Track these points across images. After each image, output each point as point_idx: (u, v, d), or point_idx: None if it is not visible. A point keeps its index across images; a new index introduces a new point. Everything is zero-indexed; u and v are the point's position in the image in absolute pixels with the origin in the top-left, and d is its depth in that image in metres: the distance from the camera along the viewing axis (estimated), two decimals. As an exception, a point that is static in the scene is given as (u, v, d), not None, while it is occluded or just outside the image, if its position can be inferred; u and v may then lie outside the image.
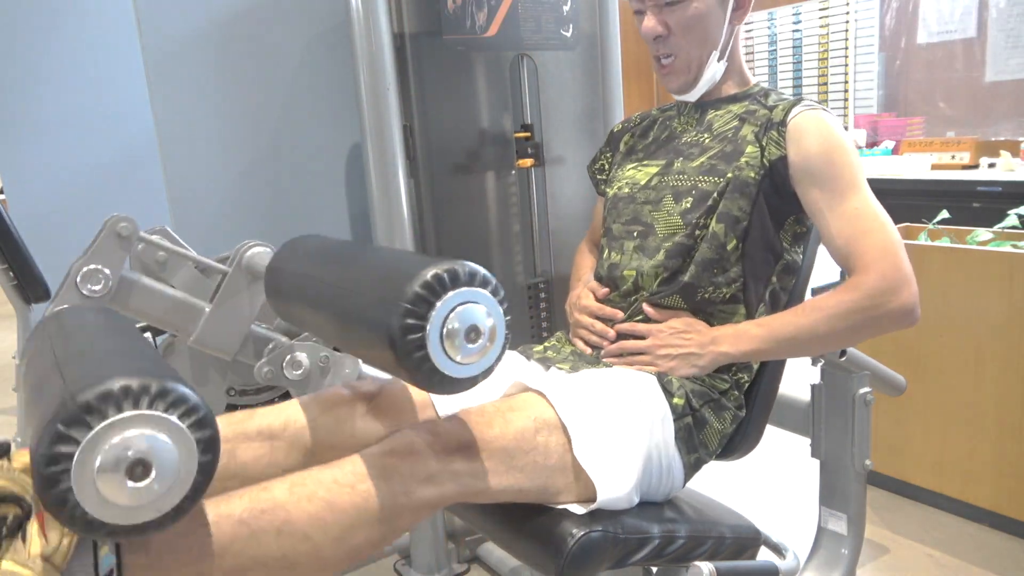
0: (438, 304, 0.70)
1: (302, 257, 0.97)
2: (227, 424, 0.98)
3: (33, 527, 0.60)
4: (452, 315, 0.71)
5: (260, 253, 1.20)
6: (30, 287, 2.23)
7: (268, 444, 0.99)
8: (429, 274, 0.70)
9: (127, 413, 0.55)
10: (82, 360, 0.65)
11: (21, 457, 0.63)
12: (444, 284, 0.70)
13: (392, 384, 1.10)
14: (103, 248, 1.02)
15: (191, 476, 0.58)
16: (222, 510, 0.73)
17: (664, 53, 1.18)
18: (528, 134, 1.72)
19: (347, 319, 0.79)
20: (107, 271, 1.03)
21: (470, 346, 0.72)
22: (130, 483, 0.55)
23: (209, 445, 0.60)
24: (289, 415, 1.02)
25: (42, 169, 3.12)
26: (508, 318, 0.75)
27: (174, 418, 0.57)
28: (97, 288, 1.02)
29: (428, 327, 0.69)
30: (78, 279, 1.01)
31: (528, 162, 1.72)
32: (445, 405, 1.08)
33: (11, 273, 2.19)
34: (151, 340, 1.49)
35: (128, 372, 0.57)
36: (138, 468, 0.55)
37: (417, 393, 1.10)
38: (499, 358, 0.75)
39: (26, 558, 0.59)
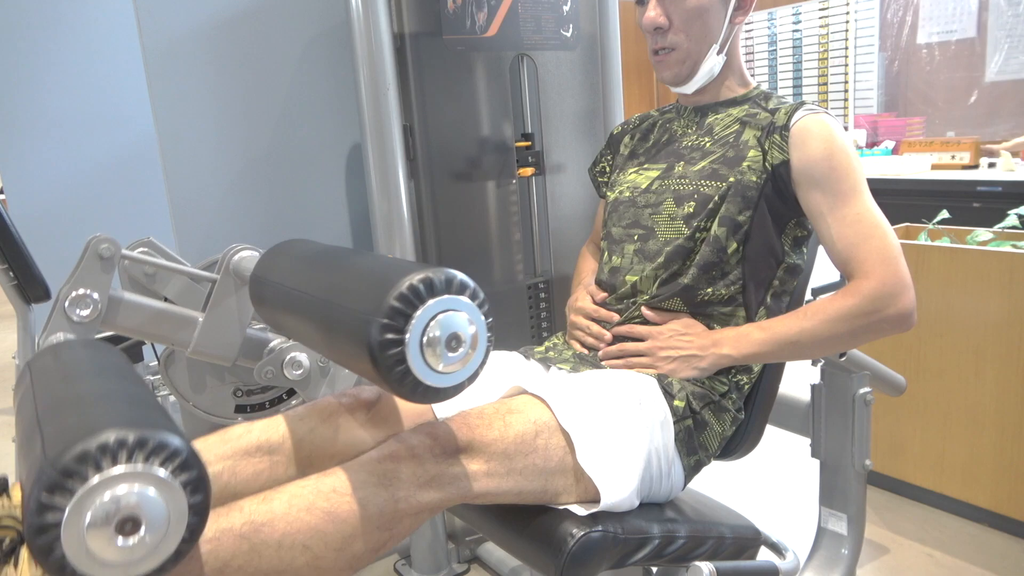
0: (416, 315, 0.69)
1: (284, 265, 0.95)
2: (224, 442, 0.98)
3: (25, 552, 0.60)
4: (431, 325, 0.69)
5: (247, 258, 1.17)
6: (30, 287, 2.22)
7: (268, 459, 0.99)
8: (405, 285, 0.69)
9: (108, 472, 0.54)
10: (60, 413, 0.63)
11: (17, 492, 0.64)
12: (420, 294, 0.69)
13: None
14: (87, 271, 0.99)
15: (183, 520, 0.58)
16: (222, 525, 0.73)
17: (663, 46, 1.18)
18: (528, 143, 1.72)
19: (329, 332, 0.78)
20: (95, 295, 1.00)
21: (451, 355, 0.71)
22: (120, 540, 0.55)
23: (198, 485, 0.58)
24: (288, 427, 1.01)
25: (42, 169, 3.12)
26: (489, 320, 0.74)
27: (157, 468, 0.55)
28: (86, 313, 0.99)
29: (407, 339, 0.68)
30: (66, 305, 0.99)
31: (529, 171, 1.73)
32: (445, 409, 1.08)
33: (11, 273, 2.19)
34: (153, 349, 1.48)
35: (105, 425, 0.55)
36: (127, 525, 0.55)
37: (418, 409, 1.09)
38: (483, 364, 0.74)
39: None
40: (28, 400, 0.73)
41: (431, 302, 0.69)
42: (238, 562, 0.72)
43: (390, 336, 0.68)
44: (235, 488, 0.95)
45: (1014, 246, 1.87)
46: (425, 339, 0.69)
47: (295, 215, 1.62)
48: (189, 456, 0.57)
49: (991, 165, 3.15)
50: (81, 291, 0.98)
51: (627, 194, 1.25)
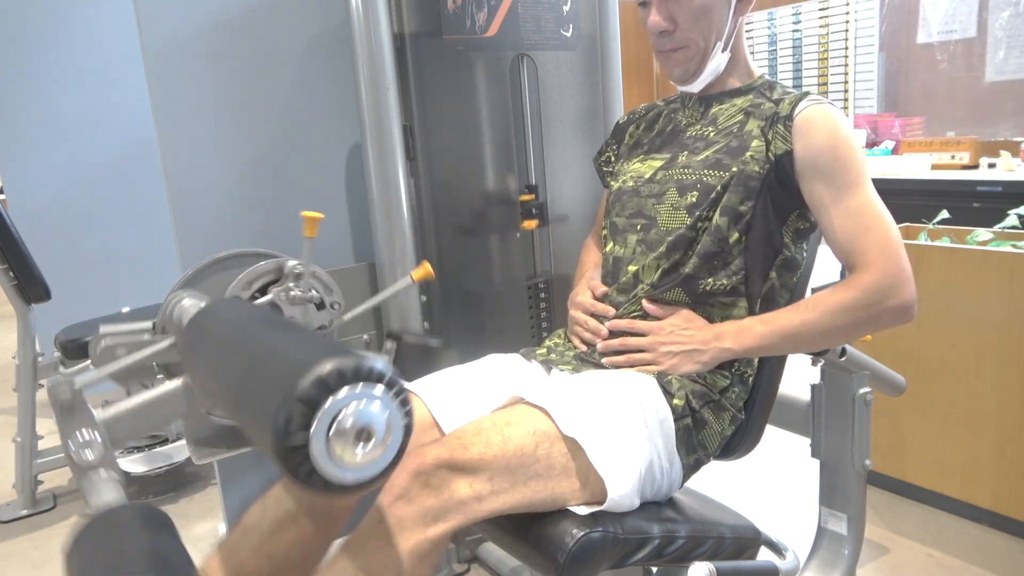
0: (323, 407, 0.63)
1: (206, 335, 0.90)
2: (246, 534, 0.98)
3: None
4: (340, 417, 0.64)
5: (187, 308, 1.10)
6: (30, 287, 2.23)
7: (294, 528, 0.99)
8: (313, 376, 0.63)
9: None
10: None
11: None
12: (328, 387, 0.63)
13: None
14: (67, 421, 0.91)
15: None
16: None
17: (670, 48, 1.18)
18: (531, 193, 1.72)
19: (240, 414, 0.74)
20: (89, 433, 0.92)
21: (363, 447, 0.65)
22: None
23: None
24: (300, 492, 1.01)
25: (42, 169, 3.13)
26: (407, 408, 0.68)
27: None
28: (93, 457, 0.90)
29: (312, 430, 0.62)
30: (73, 454, 0.90)
31: (531, 208, 1.74)
32: (447, 423, 1.08)
33: (11, 273, 2.19)
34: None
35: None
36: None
37: (418, 417, 1.08)
38: (398, 456, 0.68)
39: None
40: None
41: (341, 394, 0.64)
42: None
43: (293, 426, 0.62)
44: (280, 568, 0.97)
45: (1014, 246, 1.87)
46: (333, 431, 0.63)
47: (295, 215, 1.62)
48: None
49: (991, 165, 3.15)
50: (78, 438, 0.94)
51: (630, 183, 1.25)
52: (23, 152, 3.09)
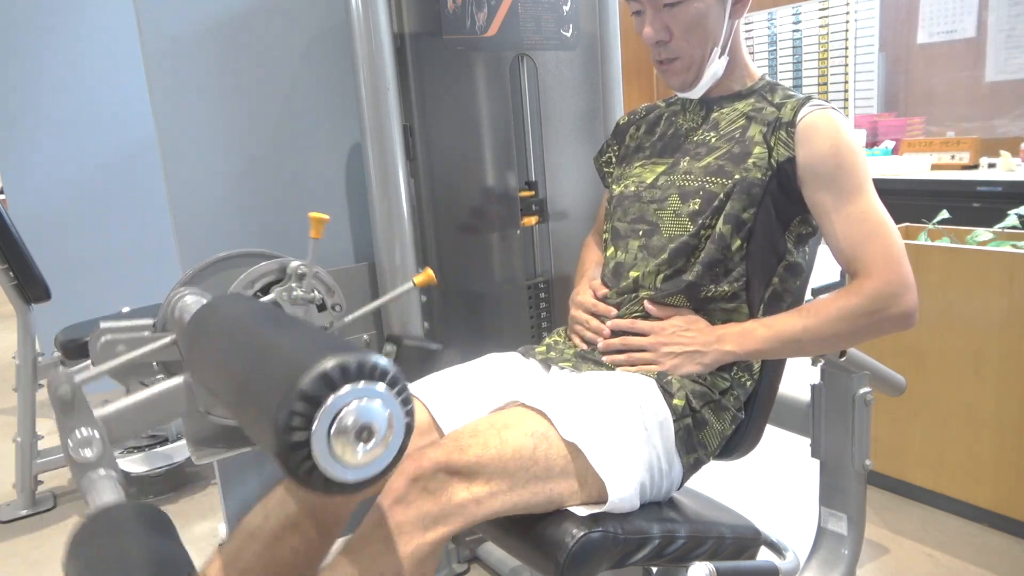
0: (325, 404, 0.62)
1: (209, 331, 0.90)
2: (251, 537, 0.97)
3: None
4: (342, 415, 0.63)
5: (189, 305, 1.10)
6: (30, 287, 2.23)
7: (296, 533, 0.98)
8: (316, 372, 0.62)
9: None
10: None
11: None
12: (331, 384, 0.63)
13: None
14: (66, 417, 0.91)
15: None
16: None
17: (666, 57, 1.18)
18: (530, 187, 1.72)
19: (241, 411, 0.73)
20: (87, 431, 0.92)
21: (363, 446, 0.64)
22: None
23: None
24: (302, 494, 0.99)
25: (42, 169, 3.13)
26: (408, 409, 0.68)
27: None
28: (91, 454, 0.90)
29: (313, 428, 0.62)
30: (71, 450, 0.89)
31: (531, 204, 1.74)
32: (447, 424, 1.08)
33: (11, 273, 2.19)
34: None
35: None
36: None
37: (418, 419, 1.08)
38: (398, 455, 0.68)
39: None
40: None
41: (343, 390, 0.63)
42: None
43: (294, 423, 0.61)
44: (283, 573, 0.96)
45: (1014, 246, 1.87)
46: (334, 429, 0.63)
47: (295, 215, 1.62)
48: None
49: (991, 165, 3.15)
50: (77, 435, 0.93)
51: (632, 188, 1.25)
52: (23, 152, 3.09)
